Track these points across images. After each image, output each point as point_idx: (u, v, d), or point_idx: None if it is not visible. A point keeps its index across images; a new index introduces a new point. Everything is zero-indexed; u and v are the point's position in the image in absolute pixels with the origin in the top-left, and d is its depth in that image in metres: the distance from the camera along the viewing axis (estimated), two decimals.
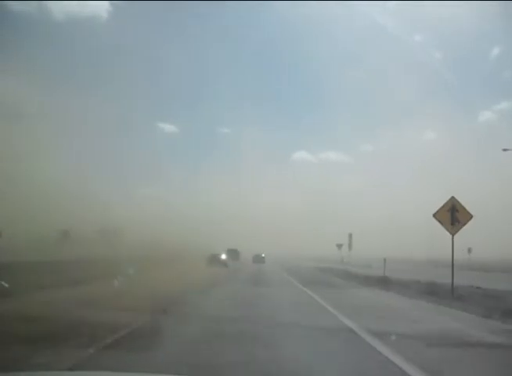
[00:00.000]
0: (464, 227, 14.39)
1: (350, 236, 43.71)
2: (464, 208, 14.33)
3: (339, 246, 44.96)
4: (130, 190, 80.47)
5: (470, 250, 54.83)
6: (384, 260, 26.53)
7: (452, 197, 14.50)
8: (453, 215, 14.18)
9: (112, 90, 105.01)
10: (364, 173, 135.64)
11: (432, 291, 14.84)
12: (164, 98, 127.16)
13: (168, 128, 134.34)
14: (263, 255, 53.72)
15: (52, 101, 69.39)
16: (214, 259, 38.30)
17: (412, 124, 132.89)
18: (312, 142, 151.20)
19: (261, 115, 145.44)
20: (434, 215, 14.54)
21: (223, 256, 40.54)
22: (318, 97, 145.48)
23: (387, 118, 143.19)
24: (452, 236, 14.27)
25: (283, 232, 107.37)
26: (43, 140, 56.63)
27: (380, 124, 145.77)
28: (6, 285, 10.59)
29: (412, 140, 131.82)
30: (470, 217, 14.37)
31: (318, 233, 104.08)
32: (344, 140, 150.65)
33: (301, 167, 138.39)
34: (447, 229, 14.32)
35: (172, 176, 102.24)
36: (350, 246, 43.60)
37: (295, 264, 51.20)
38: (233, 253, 50.47)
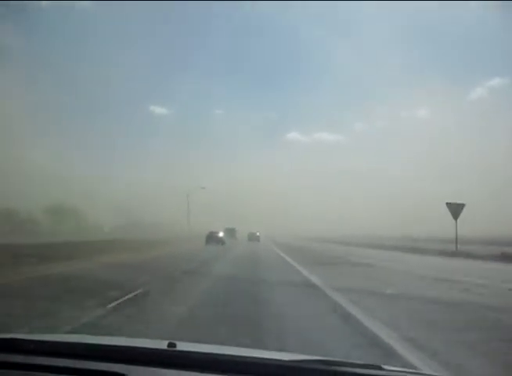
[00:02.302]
0: None
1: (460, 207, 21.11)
2: None
3: (455, 208, 22.81)
4: (124, 173, 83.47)
5: None
6: None
7: None
8: None
9: (98, 71, 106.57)
10: (359, 152, 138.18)
11: None
12: (155, 80, 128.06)
13: (159, 110, 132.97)
14: (258, 234, 55.44)
15: (32, 82, 71.72)
16: (212, 237, 40.53)
17: (405, 101, 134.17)
18: (305, 123, 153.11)
19: (253, 97, 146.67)
20: None
21: (221, 234, 42.70)
22: (309, 77, 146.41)
23: (379, 96, 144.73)
24: None
25: (287, 213, 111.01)
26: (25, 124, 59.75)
27: (372, 102, 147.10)
28: None
29: (406, 117, 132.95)
30: None
31: (318, 214, 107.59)
32: (337, 120, 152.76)
33: (296, 147, 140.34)
34: None
35: (166, 158, 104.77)
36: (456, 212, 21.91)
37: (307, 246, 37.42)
38: (231, 231, 53.98)
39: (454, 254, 23.41)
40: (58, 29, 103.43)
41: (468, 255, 22.30)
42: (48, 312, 6.56)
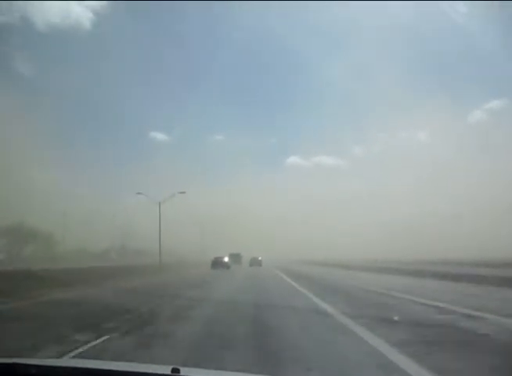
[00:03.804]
0: None
1: None
2: None
3: None
4: (131, 199, 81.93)
5: None
6: None
7: None
8: None
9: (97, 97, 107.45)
10: (359, 176, 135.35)
11: None
12: (155, 107, 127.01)
13: (160, 136, 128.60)
14: (260, 258, 54.75)
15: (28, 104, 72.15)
16: (217, 262, 40.05)
17: (404, 124, 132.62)
18: (305, 147, 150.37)
19: (252, 122, 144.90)
20: None
21: (226, 259, 42.06)
22: (309, 101, 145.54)
23: (379, 119, 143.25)
24: None
25: (288, 237, 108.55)
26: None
27: (371, 126, 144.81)
28: None
29: (406, 141, 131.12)
30: None
31: (321, 239, 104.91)
32: (337, 144, 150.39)
33: (296, 172, 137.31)
34: None
35: (165, 183, 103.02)
36: None
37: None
38: (235, 257, 52.47)
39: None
40: (57, 55, 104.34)
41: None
42: None
